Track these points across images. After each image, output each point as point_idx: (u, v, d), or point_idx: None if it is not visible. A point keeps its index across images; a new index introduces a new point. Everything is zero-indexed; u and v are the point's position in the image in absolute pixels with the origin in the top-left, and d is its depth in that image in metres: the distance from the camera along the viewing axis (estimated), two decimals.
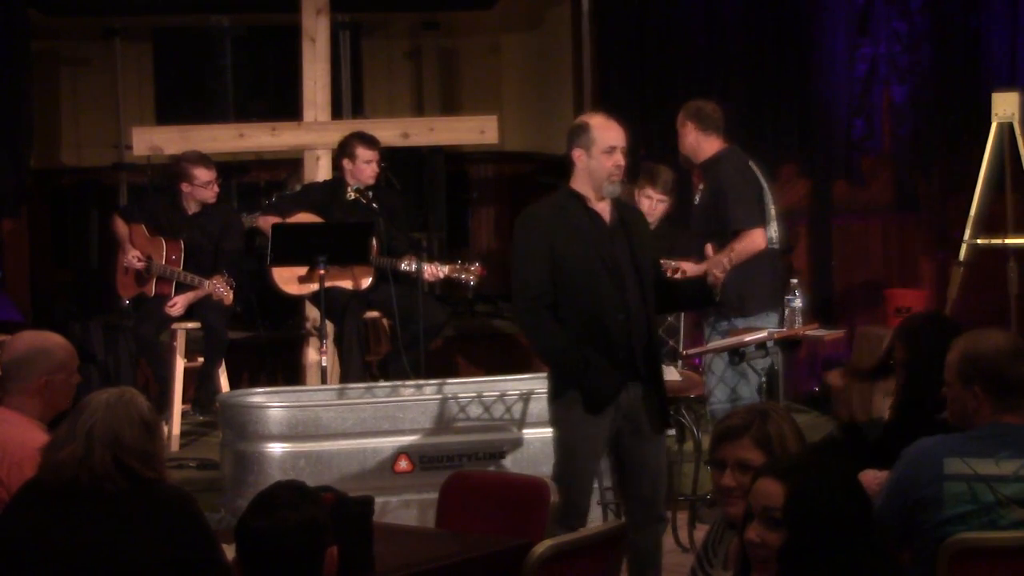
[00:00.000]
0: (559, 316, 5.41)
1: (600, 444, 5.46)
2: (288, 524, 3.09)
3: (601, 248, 5.42)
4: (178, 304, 7.93)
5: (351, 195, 7.98)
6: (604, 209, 5.50)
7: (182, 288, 7.98)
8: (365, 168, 8.02)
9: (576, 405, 5.40)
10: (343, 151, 8.12)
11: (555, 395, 5.50)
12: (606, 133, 5.47)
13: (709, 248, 5.89)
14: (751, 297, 6.91)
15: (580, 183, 5.50)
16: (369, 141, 8.09)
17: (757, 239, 6.88)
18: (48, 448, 3.86)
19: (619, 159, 5.46)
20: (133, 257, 8.00)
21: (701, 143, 7.08)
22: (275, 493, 3.18)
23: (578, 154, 5.48)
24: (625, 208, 5.65)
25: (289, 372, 9.17)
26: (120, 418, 3.81)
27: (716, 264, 5.54)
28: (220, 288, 7.72)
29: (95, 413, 3.80)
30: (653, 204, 7.99)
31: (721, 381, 6.80)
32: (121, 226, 8.17)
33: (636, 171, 8.40)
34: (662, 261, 5.88)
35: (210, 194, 8.09)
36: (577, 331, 5.40)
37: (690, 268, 6.78)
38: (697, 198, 7.11)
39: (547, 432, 6.65)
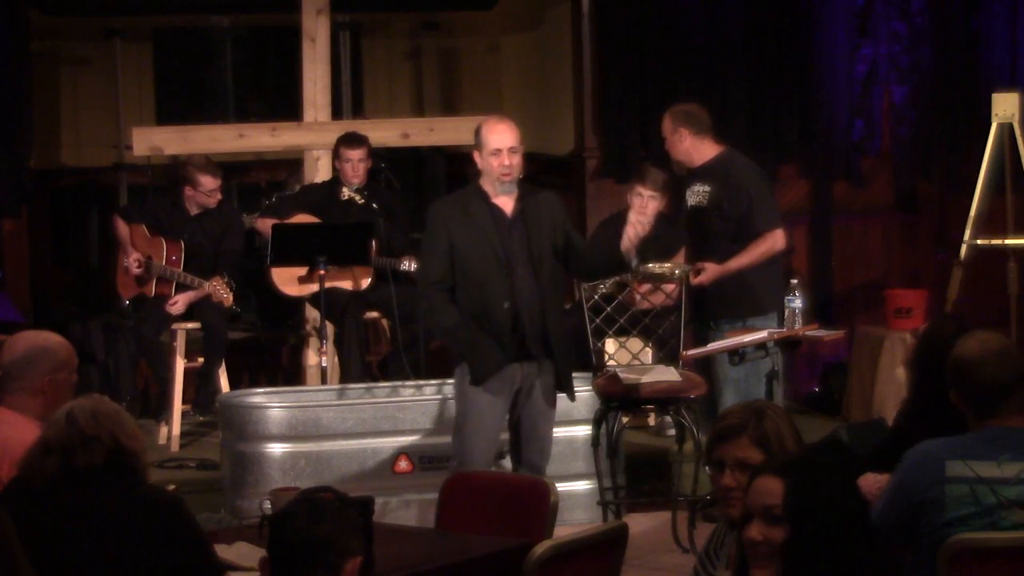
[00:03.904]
0: (456, 301, 5.94)
1: (493, 414, 5.94)
2: (326, 532, 3.12)
3: (494, 241, 5.91)
4: (179, 303, 7.93)
5: (346, 195, 7.97)
6: (506, 203, 6.00)
7: (182, 288, 7.98)
8: (347, 168, 8.01)
9: (467, 378, 5.93)
10: (333, 153, 8.13)
11: (456, 368, 6.03)
12: (492, 136, 5.96)
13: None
14: (765, 296, 6.91)
15: (484, 180, 6.02)
16: (350, 140, 8.05)
17: (779, 240, 6.97)
18: (34, 454, 3.83)
19: (505, 160, 5.92)
20: (134, 261, 7.99)
21: (697, 146, 7.05)
22: (319, 500, 3.18)
23: (476, 156, 6.02)
24: (531, 200, 6.03)
25: (289, 372, 9.17)
26: (109, 405, 3.86)
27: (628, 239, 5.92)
28: (220, 290, 7.72)
29: (84, 406, 3.81)
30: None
31: (729, 380, 6.78)
32: (122, 227, 8.17)
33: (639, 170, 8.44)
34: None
35: (212, 201, 8.11)
36: (469, 315, 5.91)
37: (714, 269, 6.77)
38: (703, 200, 7.04)
39: None
